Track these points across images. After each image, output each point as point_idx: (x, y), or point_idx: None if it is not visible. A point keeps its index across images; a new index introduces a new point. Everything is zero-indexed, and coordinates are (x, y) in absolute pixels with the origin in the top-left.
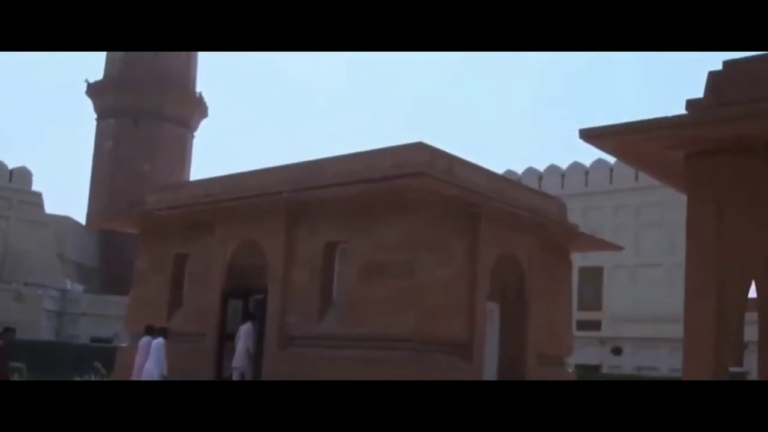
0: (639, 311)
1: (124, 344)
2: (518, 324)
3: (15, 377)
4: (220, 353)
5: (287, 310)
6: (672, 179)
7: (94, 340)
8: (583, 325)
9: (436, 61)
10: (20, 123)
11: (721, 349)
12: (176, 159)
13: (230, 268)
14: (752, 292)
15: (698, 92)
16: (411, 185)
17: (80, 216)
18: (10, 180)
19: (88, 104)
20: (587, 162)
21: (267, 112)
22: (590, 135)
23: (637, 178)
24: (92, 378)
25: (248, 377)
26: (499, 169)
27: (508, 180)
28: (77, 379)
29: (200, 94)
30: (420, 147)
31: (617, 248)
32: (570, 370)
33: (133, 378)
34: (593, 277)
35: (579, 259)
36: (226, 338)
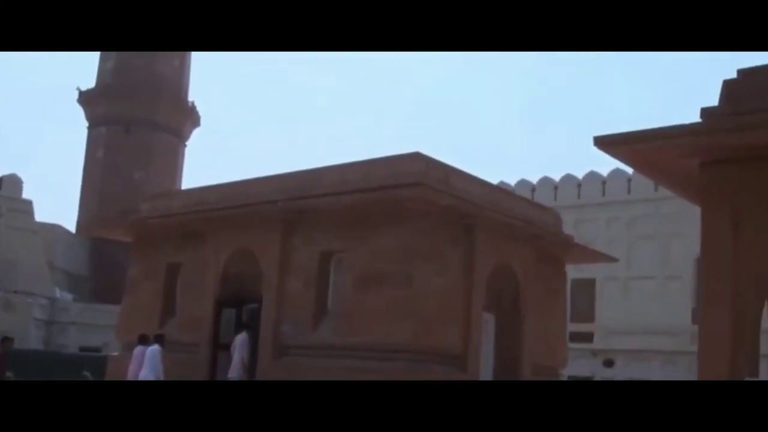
0: (631, 323)
1: (115, 353)
2: (513, 334)
3: None
4: (213, 363)
5: (282, 319)
6: (683, 188)
7: (83, 349)
8: (575, 337)
9: (436, 61)
10: (10, 131)
11: (736, 359)
12: (168, 168)
13: (224, 277)
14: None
15: (699, 97)
16: (407, 195)
17: (70, 224)
18: (0, 188)
19: (79, 112)
20: (579, 174)
21: (265, 113)
22: (604, 142)
23: (629, 191)
24: None
25: None
26: (497, 174)
27: (503, 190)
28: None
29: (192, 102)
30: (416, 157)
31: (612, 260)
32: None
33: None
34: (586, 289)
35: (572, 271)
36: (219, 348)
